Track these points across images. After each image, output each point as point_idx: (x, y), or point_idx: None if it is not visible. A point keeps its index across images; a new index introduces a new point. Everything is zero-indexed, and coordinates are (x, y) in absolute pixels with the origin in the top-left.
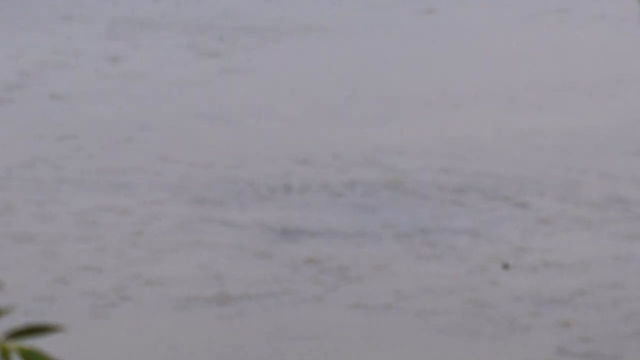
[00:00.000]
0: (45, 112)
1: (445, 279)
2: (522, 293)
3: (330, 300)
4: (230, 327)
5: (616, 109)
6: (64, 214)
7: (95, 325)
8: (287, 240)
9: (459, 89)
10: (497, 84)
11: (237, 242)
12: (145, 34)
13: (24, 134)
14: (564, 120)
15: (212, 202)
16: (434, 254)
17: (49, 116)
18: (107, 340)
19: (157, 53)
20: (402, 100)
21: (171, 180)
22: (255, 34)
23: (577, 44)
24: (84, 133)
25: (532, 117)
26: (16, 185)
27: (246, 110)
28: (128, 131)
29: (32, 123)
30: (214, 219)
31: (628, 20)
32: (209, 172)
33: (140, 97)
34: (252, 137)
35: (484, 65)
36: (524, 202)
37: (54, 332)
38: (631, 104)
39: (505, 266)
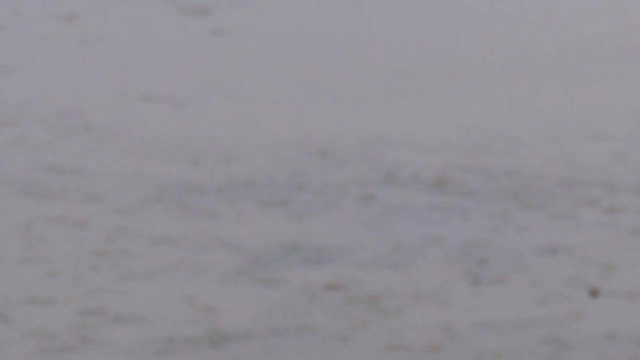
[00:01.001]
0: None
1: (511, 311)
2: (616, 329)
3: (359, 340)
4: None
5: None
6: (1, 227)
7: None
8: (300, 260)
9: (479, 59)
10: (529, 50)
11: (233, 264)
12: None
13: None
14: (626, 96)
15: (199, 211)
16: (495, 278)
17: None
18: None
19: (126, 10)
20: (417, 75)
21: (145, 181)
22: None
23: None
24: (28, 119)
25: (582, 93)
26: None
27: (238, 87)
28: (87, 116)
29: None
30: (202, 232)
31: None
32: (193, 170)
33: (103, 69)
34: (245, 123)
35: (510, 27)
36: (612, 207)
37: None
38: None
39: (593, 292)
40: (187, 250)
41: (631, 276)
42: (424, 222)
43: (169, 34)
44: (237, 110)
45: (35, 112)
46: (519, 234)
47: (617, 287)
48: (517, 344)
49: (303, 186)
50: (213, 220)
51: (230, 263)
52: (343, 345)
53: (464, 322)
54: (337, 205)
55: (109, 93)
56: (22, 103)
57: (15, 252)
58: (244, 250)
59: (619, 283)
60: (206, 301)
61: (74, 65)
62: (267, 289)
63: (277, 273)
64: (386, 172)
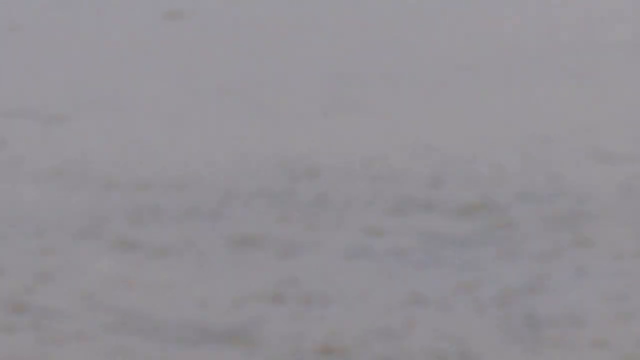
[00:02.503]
0: None
1: None
2: None
3: None
4: None
5: None
6: None
7: None
8: (287, 313)
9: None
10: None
11: (200, 321)
12: None
13: None
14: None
15: (150, 250)
16: (559, 338)
17: None
18: None
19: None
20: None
21: (79, 213)
22: None
23: None
24: None
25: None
26: None
27: (206, 85)
28: (36, 123)
29: None
30: (166, 282)
31: None
32: (144, 195)
33: (31, 62)
34: (207, 135)
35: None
36: None
37: None
38: None
39: None
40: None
41: None
42: (455, 264)
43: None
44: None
45: None
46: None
47: None
48: None
49: (320, 210)
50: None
51: (197, 319)
52: None
53: None
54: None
55: (59, 96)
56: None
57: None
58: (216, 300)
59: None
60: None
61: (15, 65)
62: (242, 351)
63: (257, 331)
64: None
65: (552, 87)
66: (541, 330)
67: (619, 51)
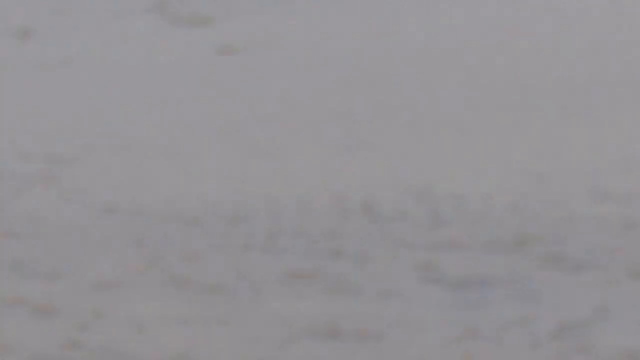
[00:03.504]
0: None
1: None
2: None
3: None
4: None
5: None
6: None
7: None
8: (337, 349)
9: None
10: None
11: (253, 356)
12: None
13: None
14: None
15: (202, 287)
16: None
17: None
18: None
19: (99, 22)
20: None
21: (127, 247)
22: None
23: None
24: None
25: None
26: None
27: (252, 123)
28: (47, 161)
29: None
30: (209, 318)
31: None
32: (193, 229)
33: (70, 99)
34: (261, 171)
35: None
36: None
37: None
38: None
39: None
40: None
41: None
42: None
43: (149, 49)
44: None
45: None
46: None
47: None
48: None
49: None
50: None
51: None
52: None
53: None
54: None
55: (70, 129)
56: None
57: None
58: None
59: None
60: None
61: (30, 90)
62: None
63: None
64: None
65: (551, 125)
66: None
67: (617, 88)
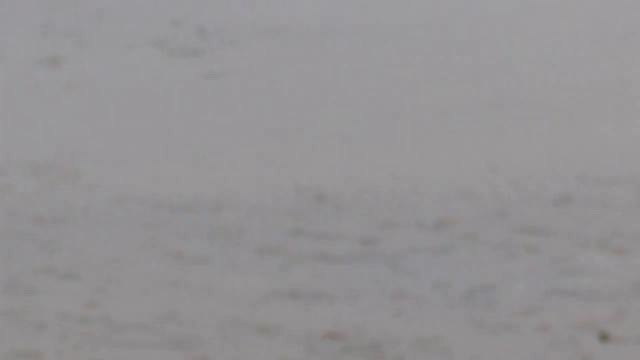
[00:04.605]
0: None
1: (521, 357)
2: None
3: None
4: None
5: None
6: None
7: None
8: (298, 308)
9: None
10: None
11: (229, 313)
12: (96, 28)
13: None
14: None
15: (192, 259)
16: (501, 323)
17: None
18: None
19: (113, 53)
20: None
21: (135, 229)
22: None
23: None
24: (12, 169)
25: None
26: None
27: (236, 132)
28: (73, 164)
29: None
30: (195, 281)
31: None
32: (185, 217)
33: (89, 115)
34: (242, 166)
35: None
36: (621, 249)
37: None
38: None
39: (603, 337)
40: (179, 301)
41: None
42: (428, 266)
43: (155, 76)
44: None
45: (20, 161)
46: (524, 276)
47: (626, 332)
48: None
49: (327, 230)
50: (206, 266)
51: (224, 312)
52: None
53: None
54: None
55: (95, 138)
56: (6, 152)
57: (1, 306)
58: (240, 297)
59: (627, 329)
60: (201, 350)
61: (57, 110)
62: (264, 337)
63: (274, 321)
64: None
65: (531, 131)
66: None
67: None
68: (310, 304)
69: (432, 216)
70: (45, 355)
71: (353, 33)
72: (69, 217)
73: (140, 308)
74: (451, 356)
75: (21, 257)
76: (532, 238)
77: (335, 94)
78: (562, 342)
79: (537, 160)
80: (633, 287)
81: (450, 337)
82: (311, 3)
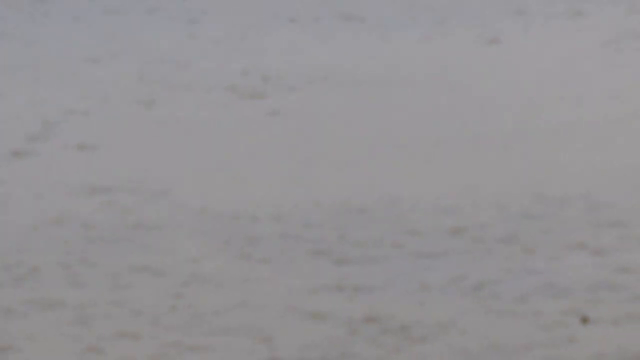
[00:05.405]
0: (72, 165)
1: (517, 336)
2: (605, 349)
3: None
4: None
5: None
6: (95, 276)
7: None
8: (342, 298)
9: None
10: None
11: (287, 303)
12: (182, 76)
13: (49, 189)
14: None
15: (258, 259)
16: (505, 309)
17: (77, 169)
18: None
19: (195, 96)
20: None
21: (213, 236)
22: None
23: None
24: (116, 187)
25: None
26: (42, 246)
27: (291, 155)
28: (163, 184)
29: (58, 177)
30: (261, 277)
31: None
32: (253, 226)
33: (176, 145)
34: (298, 186)
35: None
36: (600, 249)
37: None
38: None
39: (584, 320)
40: (247, 291)
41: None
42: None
43: (228, 114)
44: (307, 174)
45: (122, 181)
46: (523, 272)
47: (604, 315)
48: None
49: (367, 236)
50: (269, 265)
51: (284, 301)
52: None
53: (479, 346)
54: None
55: (180, 163)
56: (111, 174)
57: (106, 296)
58: (295, 289)
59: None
60: (265, 333)
61: (153, 144)
62: (316, 322)
63: (324, 309)
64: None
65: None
66: None
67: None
68: (352, 295)
69: (446, 224)
70: (142, 335)
71: (387, 82)
72: (160, 226)
73: (217, 299)
74: (464, 336)
75: (121, 258)
76: (514, 246)
77: (360, 127)
78: (552, 325)
79: (506, 181)
80: (597, 280)
81: (463, 321)
82: (356, 57)
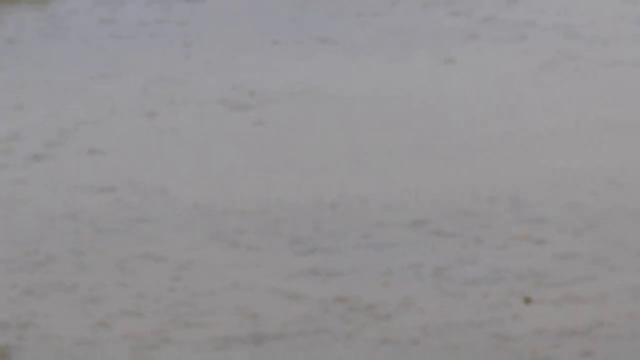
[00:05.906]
0: (83, 167)
1: (469, 314)
2: (546, 326)
3: (360, 338)
4: None
5: None
6: (103, 262)
7: None
8: (316, 281)
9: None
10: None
11: (270, 284)
12: (179, 91)
13: (64, 188)
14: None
15: (244, 248)
16: (458, 291)
17: (88, 170)
18: None
19: (191, 109)
20: (425, 149)
21: (205, 227)
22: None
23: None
24: (120, 186)
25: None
26: (57, 237)
27: (273, 159)
28: (163, 183)
29: (71, 177)
30: (247, 263)
31: None
32: (241, 219)
33: (174, 151)
34: (279, 185)
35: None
36: (541, 239)
37: None
38: None
39: (527, 300)
40: (236, 276)
41: (558, 287)
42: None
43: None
44: (289, 177)
45: (126, 181)
46: (476, 259)
47: (545, 297)
48: (473, 339)
49: (338, 229)
50: (256, 253)
51: (268, 283)
52: (349, 341)
53: (436, 323)
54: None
55: (177, 166)
56: (117, 176)
57: (114, 280)
58: (278, 274)
59: (546, 295)
60: (251, 311)
61: (153, 148)
62: (294, 302)
63: (301, 291)
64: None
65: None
66: None
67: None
68: (325, 279)
69: (408, 218)
70: (145, 313)
71: (357, 97)
72: (160, 219)
73: (209, 282)
74: (422, 314)
75: (126, 247)
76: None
77: (332, 136)
78: (498, 304)
79: (449, 182)
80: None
81: (421, 301)
82: (330, 75)
